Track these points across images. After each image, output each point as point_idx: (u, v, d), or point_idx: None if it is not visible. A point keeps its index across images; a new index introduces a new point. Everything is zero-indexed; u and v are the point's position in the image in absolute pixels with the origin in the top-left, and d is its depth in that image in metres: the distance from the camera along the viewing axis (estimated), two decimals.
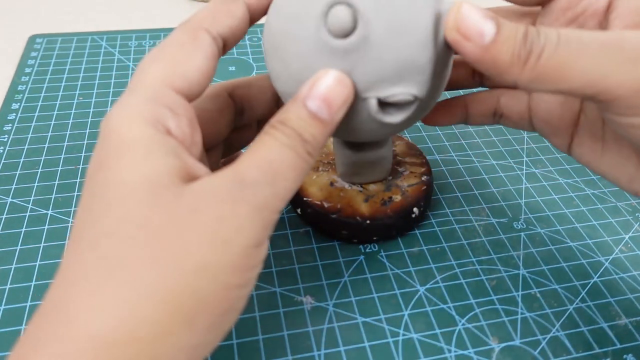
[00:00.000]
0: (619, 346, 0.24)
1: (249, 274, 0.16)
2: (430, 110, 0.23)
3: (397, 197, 0.27)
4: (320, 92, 0.18)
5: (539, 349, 0.23)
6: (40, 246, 0.27)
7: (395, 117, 0.21)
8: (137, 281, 0.15)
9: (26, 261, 0.26)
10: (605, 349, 0.24)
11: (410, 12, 0.19)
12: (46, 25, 0.48)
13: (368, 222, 0.26)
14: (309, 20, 0.19)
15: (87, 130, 0.35)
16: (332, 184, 0.28)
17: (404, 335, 0.24)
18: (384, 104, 0.21)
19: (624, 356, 0.23)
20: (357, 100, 0.20)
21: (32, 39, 0.45)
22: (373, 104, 0.20)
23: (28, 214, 0.29)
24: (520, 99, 0.24)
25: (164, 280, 0.15)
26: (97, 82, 0.40)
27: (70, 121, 0.36)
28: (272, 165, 0.16)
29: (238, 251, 0.15)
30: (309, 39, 0.19)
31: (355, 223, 0.26)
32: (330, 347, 0.23)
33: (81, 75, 0.41)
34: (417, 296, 0.25)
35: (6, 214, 0.29)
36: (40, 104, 0.37)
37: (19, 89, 0.39)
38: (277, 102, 0.25)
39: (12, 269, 0.26)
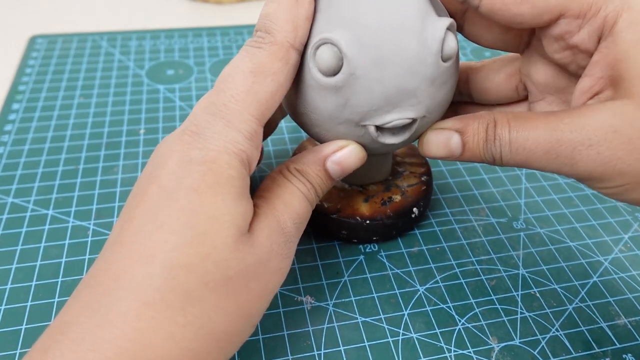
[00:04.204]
0: (618, 346, 0.24)
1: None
2: (435, 120, 0.23)
3: (397, 197, 0.27)
4: (339, 159, 0.22)
5: (539, 348, 0.23)
6: (40, 246, 0.27)
7: (396, 139, 0.22)
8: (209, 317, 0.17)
9: (26, 261, 0.26)
10: (605, 349, 0.24)
11: (394, 45, 0.19)
12: (47, 25, 0.48)
13: (368, 222, 0.26)
14: (304, 60, 0.21)
15: (88, 131, 0.35)
16: None
17: (403, 335, 0.24)
18: (383, 129, 0.22)
19: (623, 356, 0.23)
20: (358, 127, 0.21)
21: (33, 40, 0.45)
22: (372, 130, 0.21)
23: (28, 214, 0.29)
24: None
25: (232, 322, 0.18)
26: (97, 82, 0.40)
27: (71, 121, 0.36)
28: (299, 217, 0.21)
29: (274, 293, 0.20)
30: (306, 77, 0.21)
31: (355, 223, 0.26)
32: (330, 347, 0.23)
33: (82, 75, 0.41)
34: (417, 296, 0.25)
35: (7, 214, 0.29)
36: (40, 104, 0.37)
37: (19, 89, 0.39)
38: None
39: (13, 269, 0.26)
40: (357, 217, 0.26)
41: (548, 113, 0.20)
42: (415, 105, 0.21)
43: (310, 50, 0.20)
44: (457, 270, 0.27)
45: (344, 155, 0.22)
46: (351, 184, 0.28)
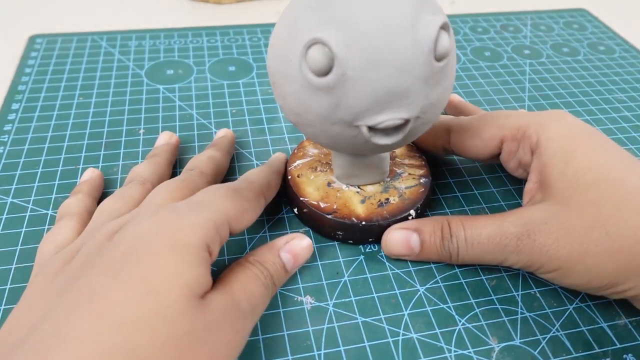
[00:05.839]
0: (618, 346, 0.24)
1: None
2: (432, 122, 0.23)
3: (394, 199, 0.27)
4: (292, 249, 0.25)
5: (539, 348, 0.23)
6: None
7: (390, 139, 0.22)
8: None
9: (26, 261, 0.26)
10: (605, 349, 0.24)
11: (386, 45, 0.19)
12: (46, 25, 0.48)
13: (364, 223, 0.26)
14: (294, 61, 0.20)
15: (87, 131, 0.35)
16: (329, 184, 0.28)
17: (404, 335, 0.24)
18: (376, 129, 0.21)
19: (624, 356, 0.23)
20: (351, 127, 0.21)
21: (32, 39, 0.45)
22: (364, 131, 0.21)
23: (28, 214, 0.29)
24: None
25: None
26: (97, 82, 0.40)
27: (71, 121, 0.36)
28: (255, 298, 0.21)
29: None
30: (297, 78, 0.21)
31: (351, 224, 0.26)
32: (330, 347, 0.23)
33: (81, 75, 0.41)
34: (417, 296, 0.25)
35: (6, 214, 0.29)
36: (40, 104, 0.37)
37: (19, 89, 0.39)
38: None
39: (12, 269, 0.26)
40: (353, 218, 0.26)
41: (493, 215, 0.24)
42: (407, 105, 0.21)
43: (302, 50, 0.20)
44: (457, 270, 0.27)
45: (298, 246, 0.25)
46: (348, 185, 0.28)
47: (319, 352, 0.23)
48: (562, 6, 0.57)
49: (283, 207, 0.30)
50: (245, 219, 0.23)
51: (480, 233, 0.24)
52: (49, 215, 0.29)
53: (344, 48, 0.19)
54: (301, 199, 0.27)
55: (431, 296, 0.25)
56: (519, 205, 0.31)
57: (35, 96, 0.38)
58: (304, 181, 0.28)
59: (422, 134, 0.25)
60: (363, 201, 0.27)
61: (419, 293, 0.26)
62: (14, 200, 0.30)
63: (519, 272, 0.27)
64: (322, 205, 0.27)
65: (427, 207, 0.29)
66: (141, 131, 0.35)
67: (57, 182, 0.31)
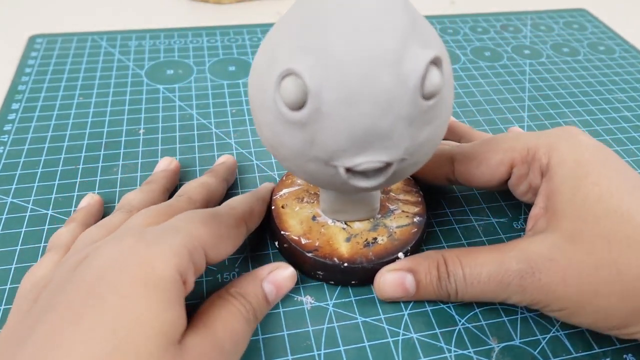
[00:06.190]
0: (618, 346, 0.24)
1: None
2: (425, 163, 0.21)
3: (383, 239, 0.25)
4: (275, 280, 0.23)
5: (539, 348, 0.23)
6: (40, 246, 0.27)
7: (370, 182, 0.19)
8: None
9: (26, 261, 0.26)
10: (605, 349, 0.24)
11: (364, 79, 0.17)
12: (46, 25, 0.48)
13: (345, 265, 0.24)
14: (269, 91, 0.18)
15: (87, 131, 0.35)
16: (314, 217, 0.26)
17: (404, 335, 0.24)
18: (355, 171, 0.19)
19: (624, 356, 0.23)
20: (328, 166, 0.19)
21: (32, 39, 0.45)
22: (341, 172, 0.19)
23: (28, 214, 0.29)
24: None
25: None
26: (97, 82, 0.40)
27: (71, 121, 0.36)
28: (238, 336, 0.20)
29: None
30: (272, 110, 0.19)
31: (332, 265, 0.24)
32: (330, 347, 0.23)
33: (81, 75, 0.41)
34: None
35: (6, 214, 0.29)
36: (40, 104, 0.37)
37: (19, 89, 0.39)
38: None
39: (12, 269, 0.26)
40: (335, 259, 0.24)
41: (492, 248, 0.23)
42: (390, 147, 0.18)
43: (276, 81, 0.18)
44: None
45: (280, 276, 0.23)
46: (335, 220, 0.26)
47: (319, 352, 0.23)
48: (562, 6, 0.57)
49: (269, 242, 0.28)
50: (224, 247, 0.22)
51: (480, 271, 0.22)
52: (49, 215, 0.29)
53: (319, 81, 0.17)
54: (282, 232, 0.26)
55: None
56: (519, 205, 0.31)
57: (35, 96, 0.38)
58: (287, 212, 0.26)
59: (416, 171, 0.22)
60: (348, 239, 0.25)
61: None
62: (14, 200, 0.30)
63: None
64: (303, 241, 0.25)
65: (418, 249, 0.27)
66: (141, 131, 0.35)
67: (57, 182, 0.31)
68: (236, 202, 0.25)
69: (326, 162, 0.19)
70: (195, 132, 0.35)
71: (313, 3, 0.18)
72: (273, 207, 0.27)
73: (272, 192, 0.28)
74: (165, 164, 0.30)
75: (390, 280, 0.24)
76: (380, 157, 0.18)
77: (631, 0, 0.59)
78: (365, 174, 0.19)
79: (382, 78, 0.17)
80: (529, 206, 0.30)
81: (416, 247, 0.26)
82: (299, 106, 0.17)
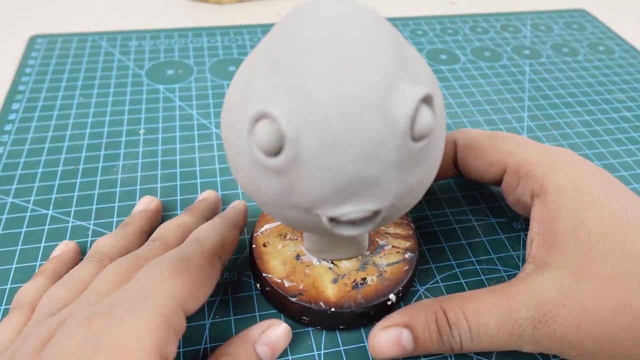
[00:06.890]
0: None
1: None
2: (414, 205, 0.19)
3: (372, 279, 0.24)
4: (269, 340, 0.21)
5: None
6: (40, 246, 0.27)
7: (356, 230, 0.17)
8: None
9: (26, 261, 0.26)
10: None
11: (347, 123, 0.15)
12: (46, 25, 0.48)
13: (333, 309, 0.22)
14: (243, 132, 0.16)
15: (88, 131, 0.35)
16: (298, 257, 0.24)
17: None
18: (340, 220, 0.17)
19: None
20: (310, 214, 0.17)
21: (33, 39, 0.45)
22: (325, 221, 0.17)
23: (28, 214, 0.29)
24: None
25: None
26: (97, 82, 0.40)
27: (71, 121, 0.36)
28: None
29: None
30: (246, 153, 0.17)
31: (318, 310, 0.22)
32: (330, 347, 0.23)
33: (81, 75, 0.41)
34: (417, 296, 0.25)
35: (6, 214, 0.29)
36: (40, 104, 0.37)
37: (19, 89, 0.39)
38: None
39: (12, 269, 0.26)
40: (321, 303, 0.23)
41: (495, 290, 0.21)
42: (377, 195, 0.16)
43: (250, 122, 0.15)
44: (457, 270, 0.27)
45: (274, 335, 0.22)
46: (320, 259, 0.24)
47: (319, 352, 0.23)
48: (562, 6, 0.57)
49: (252, 283, 0.26)
50: (201, 293, 0.20)
51: (487, 322, 0.20)
52: (49, 215, 0.29)
53: (296, 126, 0.15)
54: (264, 275, 0.24)
55: (431, 296, 0.25)
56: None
57: (36, 96, 0.38)
58: (269, 252, 0.25)
59: None
60: (335, 280, 0.23)
61: (419, 293, 0.26)
62: (14, 200, 0.30)
63: (518, 272, 0.27)
64: (286, 284, 0.23)
65: (410, 288, 0.25)
66: (141, 131, 0.35)
67: (57, 182, 0.31)
68: (204, 234, 0.23)
69: (307, 210, 0.17)
70: (195, 132, 0.35)
71: (290, 32, 0.16)
72: (254, 246, 0.25)
73: (254, 229, 0.26)
74: (145, 204, 0.28)
75: (385, 340, 0.21)
76: (367, 206, 0.17)
77: (631, 0, 0.59)
78: (352, 222, 0.17)
79: (367, 122, 0.15)
80: None
81: (408, 286, 0.24)
82: (276, 152, 0.16)
